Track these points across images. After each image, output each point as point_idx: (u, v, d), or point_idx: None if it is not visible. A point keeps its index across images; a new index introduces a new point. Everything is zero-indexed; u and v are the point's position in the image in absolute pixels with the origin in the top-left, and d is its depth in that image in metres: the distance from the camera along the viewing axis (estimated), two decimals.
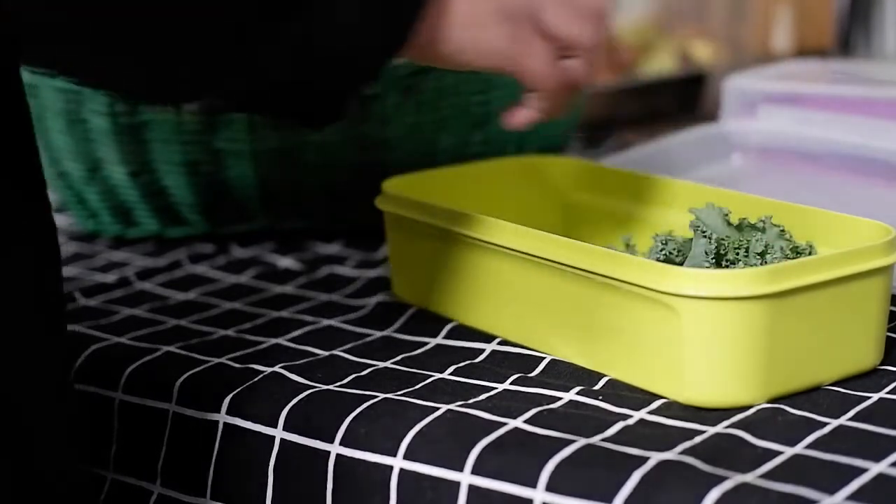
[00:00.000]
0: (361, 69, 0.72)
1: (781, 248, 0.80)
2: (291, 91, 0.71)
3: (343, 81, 0.72)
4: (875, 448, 0.69)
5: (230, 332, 0.90)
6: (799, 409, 0.74)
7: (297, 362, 0.83)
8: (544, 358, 0.82)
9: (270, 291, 0.98)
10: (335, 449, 0.75)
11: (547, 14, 0.77)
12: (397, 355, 0.84)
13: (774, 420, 0.72)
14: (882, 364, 0.79)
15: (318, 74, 0.71)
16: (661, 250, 0.83)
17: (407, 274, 0.93)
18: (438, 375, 0.81)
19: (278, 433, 0.78)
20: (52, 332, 0.71)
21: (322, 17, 0.68)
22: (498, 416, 0.74)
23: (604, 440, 0.71)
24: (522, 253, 0.82)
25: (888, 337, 0.80)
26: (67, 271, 1.05)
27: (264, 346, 0.87)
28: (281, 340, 0.87)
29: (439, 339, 0.87)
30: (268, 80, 0.70)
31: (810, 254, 0.81)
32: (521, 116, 0.81)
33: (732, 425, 0.72)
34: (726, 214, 0.82)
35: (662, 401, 0.76)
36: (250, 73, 0.69)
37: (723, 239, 0.81)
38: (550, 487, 0.68)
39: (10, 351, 0.68)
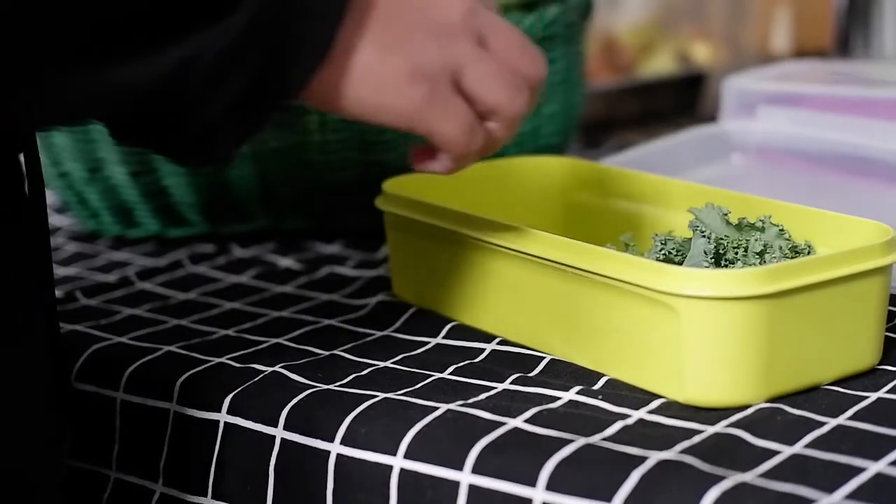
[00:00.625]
0: (249, 115, 0.66)
1: (780, 248, 0.80)
2: (170, 131, 0.66)
3: (229, 126, 0.66)
4: (874, 447, 0.69)
5: (231, 332, 0.90)
6: (798, 408, 0.74)
7: (298, 362, 0.83)
8: (544, 358, 0.82)
9: (271, 291, 0.98)
10: (335, 449, 0.75)
11: (469, 76, 0.70)
12: (397, 355, 0.84)
13: (773, 419, 0.72)
14: (881, 364, 0.79)
15: (197, 116, 0.65)
16: (660, 250, 0.83)
17: (407, 274, 0.93)
18: (438, 375, 0.81)
19: (278, 433, 0.78)
20: (39, 334, 0.71)
21: (206, 53, 0.62)
22: (498, 415, 0.74)
23: (603, 440, 0.71)
24: (522, 253, 0.82)
25: (887, 337, 0.81)
26: (68, 271, 1.06)
27: (265, 345, 0.87)
28: (281, 340, 0.88)
29: (439, 339, 0.87)
30: (133, 115, 0.64)
31: (809, 253, 0.81)
32: (429, 167, 0.74)
33: (732, 425, 0.72)
34: (725, 214, 0.83)
35: (662, 400, 0.76)
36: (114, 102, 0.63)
37: (722, 239, 0.81)
38: (550, 487, 0.68)
39: None
